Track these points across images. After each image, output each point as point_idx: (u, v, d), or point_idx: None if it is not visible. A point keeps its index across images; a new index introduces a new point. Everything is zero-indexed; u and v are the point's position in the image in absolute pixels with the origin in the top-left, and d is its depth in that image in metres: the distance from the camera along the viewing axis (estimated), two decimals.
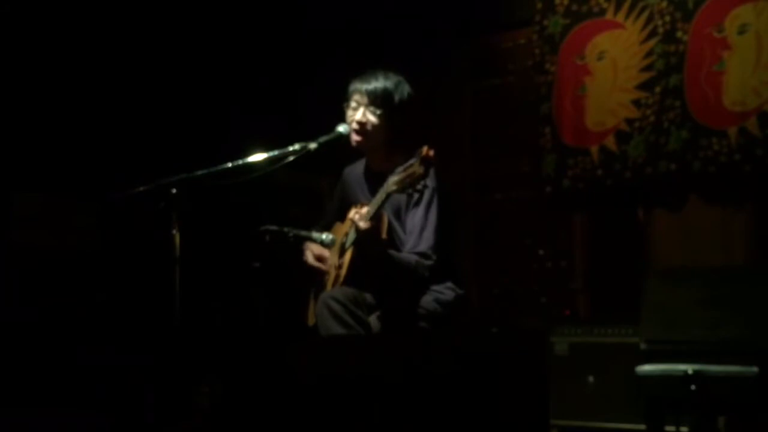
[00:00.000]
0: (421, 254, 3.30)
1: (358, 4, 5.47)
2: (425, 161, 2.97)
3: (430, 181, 3.23)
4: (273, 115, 5.43)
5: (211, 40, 5.45)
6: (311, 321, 3.62)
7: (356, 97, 3.46)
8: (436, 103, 5.36)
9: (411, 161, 3.06)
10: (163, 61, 5.29)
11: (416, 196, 3.14)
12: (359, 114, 3.44)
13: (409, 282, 3.31)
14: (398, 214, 3.40)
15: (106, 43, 5.10)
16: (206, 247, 4.31)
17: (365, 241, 3.22)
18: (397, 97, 3.43)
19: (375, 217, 3.20)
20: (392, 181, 3.10)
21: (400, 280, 3.31)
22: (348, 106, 3.49)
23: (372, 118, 3.43)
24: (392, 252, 3.31)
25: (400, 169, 3.11)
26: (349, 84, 3.51)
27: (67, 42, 4.95)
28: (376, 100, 3.42)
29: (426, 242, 3.32)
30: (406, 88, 3.48)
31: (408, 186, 3.04)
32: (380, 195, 3.17)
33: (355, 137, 3.46)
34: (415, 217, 3.35)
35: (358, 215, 3.18)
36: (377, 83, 3.44)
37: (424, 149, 2.98)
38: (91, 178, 4.81)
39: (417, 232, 3.33)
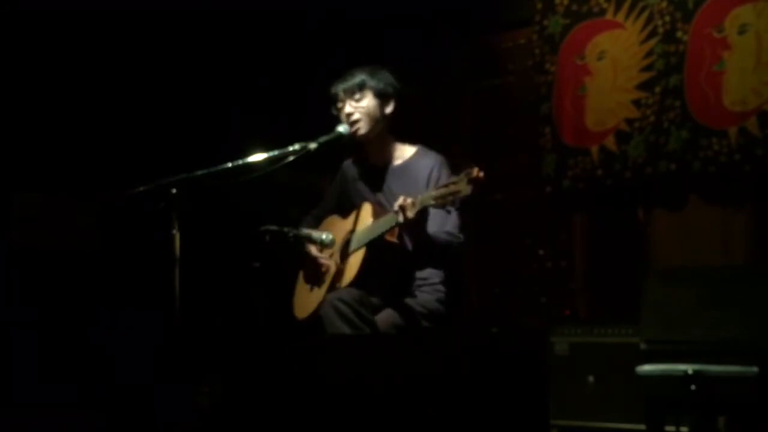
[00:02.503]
0: (449, 234, 3.37)
1: (359, 4, 5.47)
2: (474, 182, 2.95)
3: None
4: (273, 115, 5.43)
5: (211, 40, 5.45)
6: (300, 314, 3.63)
7: (339, 96, 3.57)
8: (436, 103, 5.36)
9: (454, 178, 3.04)
10: (163, 61, 5.29)
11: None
12: (347, 107, 3.54)
13: (444, 258, 3.42)
14: None
15: (106, 43, 5.10)
16: (206, 247, 4.31)
17: (411, 229, 3.25)
18: (373, 83, 3.52)
19: (421, 212, 3.18)
20: (431, 195, 3.08)
21: (439, 257, 3.41)
22: (336, 109, 3.58)
23: (357, 105, 3.53)
24: (432, 233, 3.35)
25: (440, 182, 3.13)
26: (330, 89, 3.59)
27: (67, 42, 4.95)
28: (353, 90, 3.53)
29: (452, 223, 3.39)
30: (385, 76, 3.57)
31: (449, 203, 3.06)
32: (418, 203, 3.15)
33: (352, 129, 3.54)
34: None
35: (405, 205, 3.16)
36: (353, 79, 3.54)
37: (475, 170, 2.95)
38: (91, 178, 4.81)
39: (442, 214, 3.37)
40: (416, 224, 3.19)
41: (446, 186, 3.04)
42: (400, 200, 3.17)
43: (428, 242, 3.31)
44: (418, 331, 3.34)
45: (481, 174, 2.95)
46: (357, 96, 3.52)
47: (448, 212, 3.38)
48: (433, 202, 3.07)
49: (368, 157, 3.66)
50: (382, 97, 3.53)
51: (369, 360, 2.86)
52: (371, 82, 3.53)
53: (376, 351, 2.92)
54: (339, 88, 3.56)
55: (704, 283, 4.01)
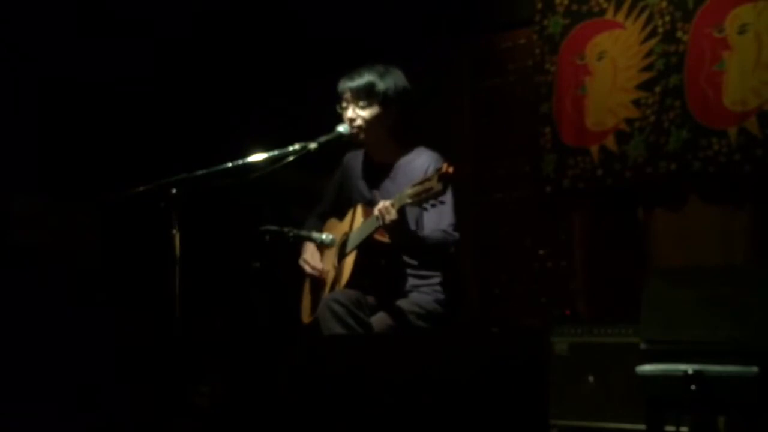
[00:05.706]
0: (444, 232, 3.34)
1: (359, 4, 5.46)
2: (444, 178, 2.94)
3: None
4: (273, 115, 5.43)
5: (211, 39, 5.45)
6: (306, 318, 3.63)
7: (345, 95, 3.52)
8: (436, 103, 5.36)
9: (428, 174, 3.03)
10: (163, 61, 5.29)
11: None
12: (349, 112, 3.50)
13: (440, 256, 3.37)
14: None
15: (106, 43, 5.10)
16: (206, 247, 4.31)
17: (393, 231, 3.22)
18: (381, 87, 3.46)
19: (400, 211, 3.16)
20: (407, 194, 3.07)
21: (432, 255, 3.37)
22: (341, 107, 3.54)
23: (361, 113, 3.48)
24: (420, 232, 3.33)
25: (416, 180, 3.08)
26: (338, 84, 3.54)
27: (67, 42, 4.95)
28: (360, 94, 3.47)
29: (446, 220, 3.35)
30: (393, 77, 3.50)
31: (423, 201, 3.02)
32: (396, 203, 3.14)
33: (352, 132, 3.51)
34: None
35: (383, 210, 3.15)
36: (360, 79, 3.48)
37: (444, 166, 2.95)
38: (91, 178, 4.81)
39: (436, 213, 3.33)
40: (398, 224, 3.17)
41: (420, 184, 3.03)
42: (380, 205, 3.16)
43: (416, 240, 3.29)
44: (417, 331, 3.34)
45: (450, 169, 2.94)
46: (362, 103, 3.47)
47: (430, 208, 3.32)
48: (409, 201, 3.06)
49: (368, 154, 3.65)
50: (387, 105, 3.48)
51: (369, 360, 2.86)
52: (379, 86, 3.46)
53: (376, 351, 2.92)
54: (346, 88, 3.50)
55: (704, 283, 4.00)
